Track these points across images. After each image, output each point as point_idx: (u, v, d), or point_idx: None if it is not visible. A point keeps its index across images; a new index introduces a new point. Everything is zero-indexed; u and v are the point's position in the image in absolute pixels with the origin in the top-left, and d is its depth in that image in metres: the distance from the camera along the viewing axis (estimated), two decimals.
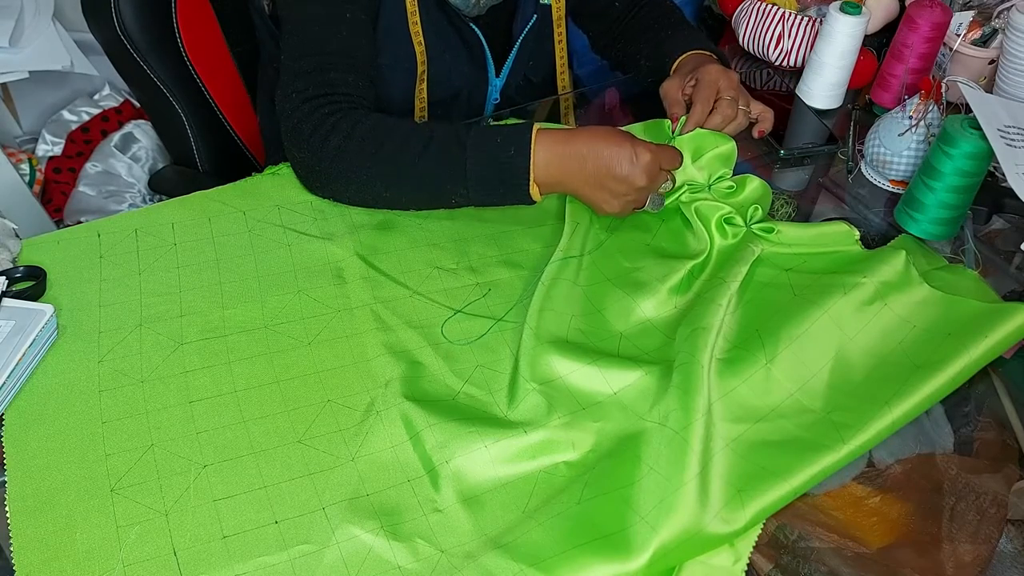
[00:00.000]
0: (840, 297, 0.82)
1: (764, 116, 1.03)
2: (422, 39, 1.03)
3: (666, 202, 0.94)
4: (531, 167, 0.84)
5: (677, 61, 1.07)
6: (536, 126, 0.85)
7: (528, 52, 1.14)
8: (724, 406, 0.74)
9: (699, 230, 0.91)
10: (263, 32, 1.15)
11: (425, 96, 1.08)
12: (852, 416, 0.73)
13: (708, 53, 1.06)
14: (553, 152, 0.85)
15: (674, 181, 0.92)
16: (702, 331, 0.78)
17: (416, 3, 1.01)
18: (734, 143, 0.98)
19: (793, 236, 0.90)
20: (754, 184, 0.95)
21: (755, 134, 1.03)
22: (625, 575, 0.63)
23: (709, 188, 0.95)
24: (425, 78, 1.07)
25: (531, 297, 0.84)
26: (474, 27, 1.06)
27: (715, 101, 0.99)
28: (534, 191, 0.86)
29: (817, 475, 0.70)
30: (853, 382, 0.77)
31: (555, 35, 1.17)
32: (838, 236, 0.91)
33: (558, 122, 1.18)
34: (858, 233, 0.90)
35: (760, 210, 0.92)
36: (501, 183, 0.86)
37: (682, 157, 0.93)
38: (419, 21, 1.02)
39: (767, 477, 0.69)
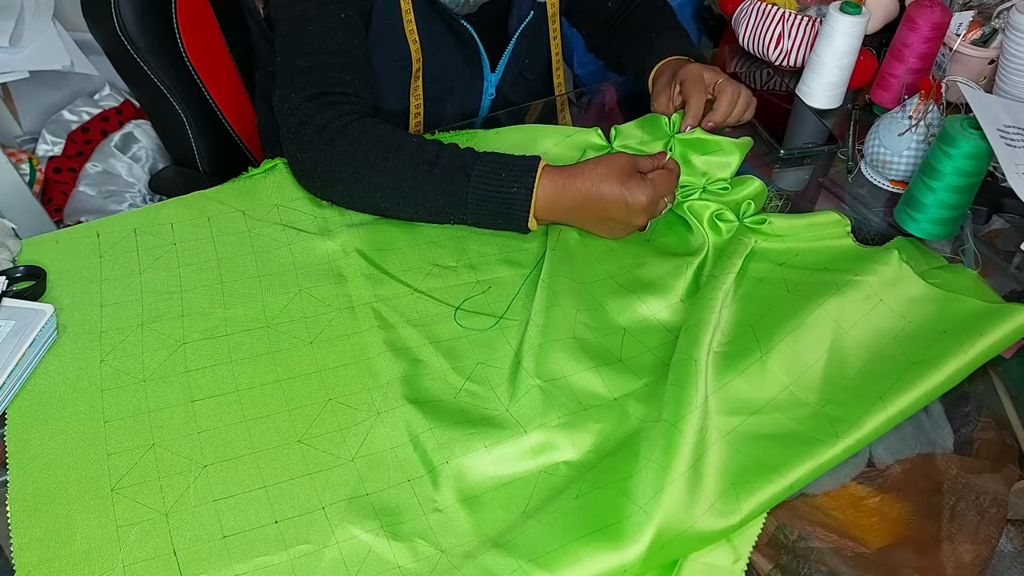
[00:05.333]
0: (834, 293, 0.82)
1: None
2: (416, 37, 1.03)
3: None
4: (532, 206, 0.86)
5: (655, 68, 1.08)
6: (542, 165, 0.86)
7: (523, 49, 1.15)
8: (719, 399, 0.74)
9: (695, 227, 0.92)
10: (258, 35, 1.15)
11: (420, 93, 1.08)
12: (846, 410, 0.73)
13: (684, 58, 1.07)
14: (554, 194, 0.86)
15: (673, 198, 0.92)
16: (696, 327, 0.79)
17: (410, 1, 1.01)
18: (739, 154, 0.99)
19: (785, 227, 0.91)
20: (753, 184, 0.95)
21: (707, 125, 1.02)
22: (623, 565, 0.62)
23: (704, 190, 0.95)
24: (420, 75, 1.07)
25: (532, 294, 0.84)
26: (467, 24, 1.06)
27: (714, 88, 1.00)
28: (531, 224, 0.88)
29: (814, 470, 0.69)
30: (847, 376, 0.77)
31: (550, 31, 1.17)
32: (830, 226, 0.91)
33: (554, 120, 1.18)
34: (849, 222, 0.91)
35: (753, 205, 0.93)
36: (500, 215, 0.87)
37: (679, 171, 0.94)
38: (413, 19, 1.02)
39: (762, 471, 0.69)
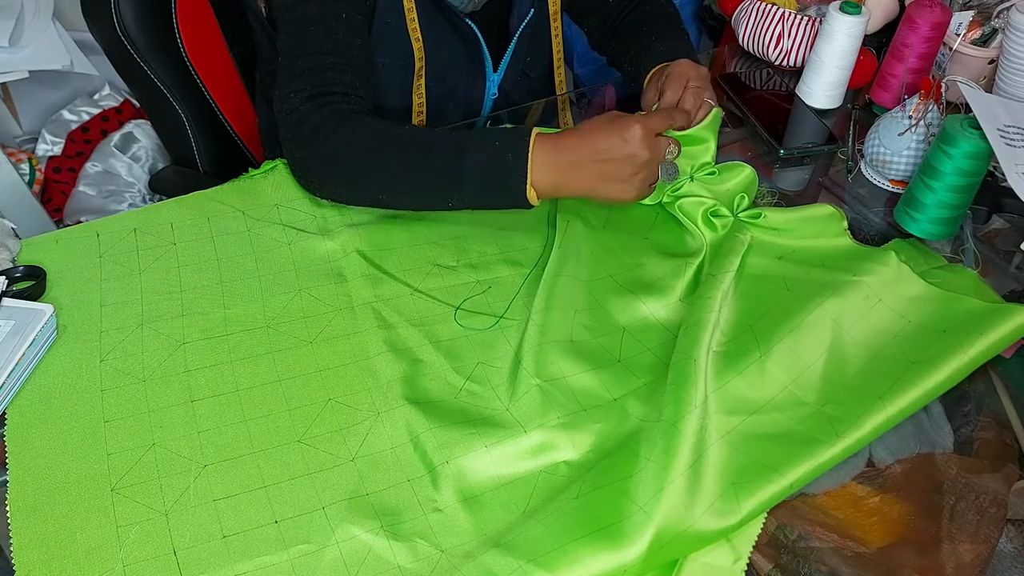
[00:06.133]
0: (833, 293, 0.82)
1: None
2: (419, 35, 1.03)
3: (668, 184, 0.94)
4: (528, 173, 0.84)
5: (650, 73, 1.07)
6: (535, 131, 0.85)
7: (525, 47, 1.15)
8: (719, 399, 0.74)
9: (691, 228, 0.92)
10: (259, 34, 1.15)
11: (423, 92, 1.08)
12: (845, 410, 0.73)
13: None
14: (550, 155, 0.85)
15: (679, 145, 0.90)
16: (695, 326, 0.79)
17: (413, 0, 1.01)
18: (712, 134, 0.97)
19: (781, 220, 0.91)
20: (744, 172, 0.95)
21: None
22: (623, 565, 0.63)
23: (692, 178, 0.95)
24: (423, 74, 1.07)
25: (532, 294, 0.84)
26: (470, 23, 1.06)
27: (683, 91, 0.99)
28: (531, 195, 0.86)
29: (813, 470, 0.69)
30: (847, 375, 0.77)
31: (551, 29, 1.17)
32: (825, 219, 0.91)
33: (555, 122, 1.18)
34: (844, 216, 0.91)
35: (746, 199, 0.93)
36: (498, 189, 0.86)
37: (675, 118, 0.91)
38: (416, 18, 1.02)
39: (762, 471, 0.69)
